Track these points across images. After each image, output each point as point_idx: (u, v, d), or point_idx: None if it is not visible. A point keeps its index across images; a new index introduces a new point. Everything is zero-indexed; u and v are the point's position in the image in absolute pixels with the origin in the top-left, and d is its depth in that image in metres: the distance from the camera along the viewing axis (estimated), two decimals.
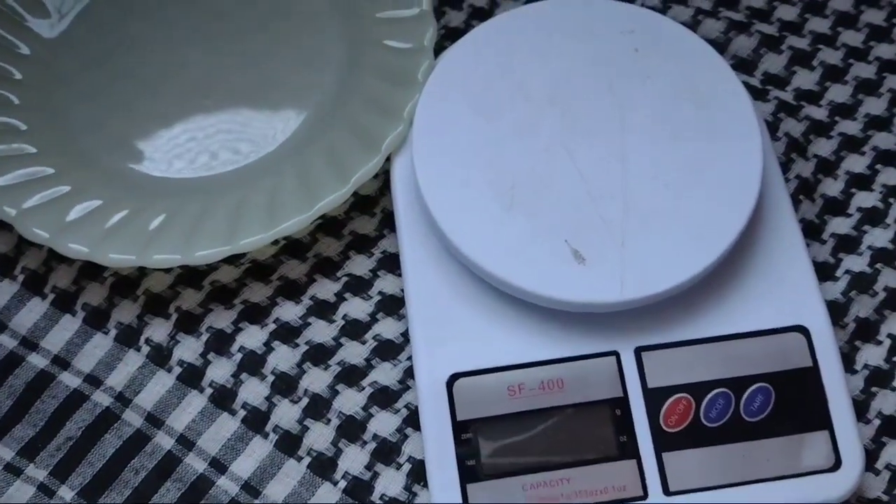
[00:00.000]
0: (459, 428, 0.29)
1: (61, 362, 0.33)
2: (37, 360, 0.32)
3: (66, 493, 0.31)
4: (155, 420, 0.31)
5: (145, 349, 0.33)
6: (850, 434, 0.29)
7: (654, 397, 0.30)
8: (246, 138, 0.36)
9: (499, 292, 0.31)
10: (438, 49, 0.36)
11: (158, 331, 0.33)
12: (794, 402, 0.30)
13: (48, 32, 0.38)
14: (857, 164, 0.36)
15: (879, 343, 0.33)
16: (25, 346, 0.33)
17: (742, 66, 0.38)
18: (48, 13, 0.38)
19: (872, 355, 0.33)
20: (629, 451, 0.29)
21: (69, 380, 0.32)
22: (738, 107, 0.32)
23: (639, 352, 0.30)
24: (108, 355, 0.33)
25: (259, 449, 0.31)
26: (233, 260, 0.34)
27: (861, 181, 0.36)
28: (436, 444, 0.29)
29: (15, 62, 0.37)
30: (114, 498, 0.30)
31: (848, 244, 0.34)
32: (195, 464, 0.30)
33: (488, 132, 0.32)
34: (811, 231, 0.34)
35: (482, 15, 0.39)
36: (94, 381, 0.32)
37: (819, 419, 0.30)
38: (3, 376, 0.32)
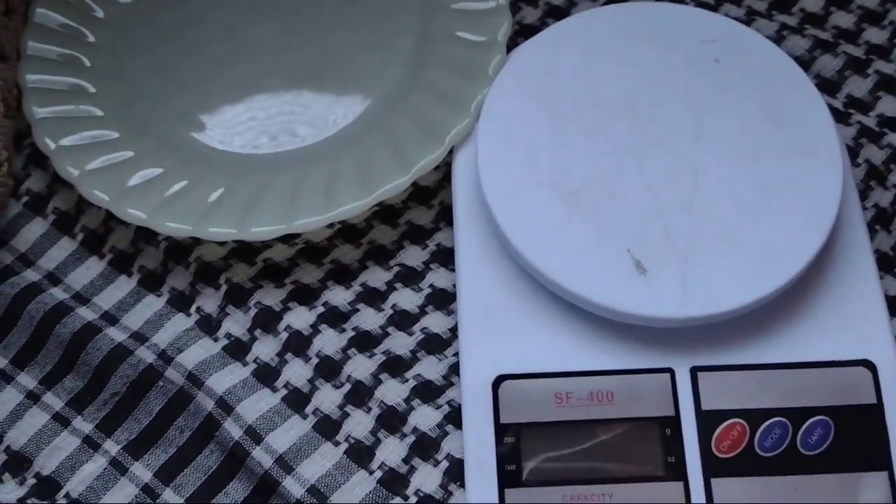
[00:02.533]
0: (502, 430, 0.29)
1: (110, 318, 0.33)
2: (85, 313, 0.33)
3: (111, 447, 0.31)
4: (195, 379, 0.31)
5: (195, 316, 0.33)
6: None
7: (708, 420, 0.29)
8: (308, 120, 0.35)
9: (554, 297, 0.30)
10: (511, 45, 0.35)
11: (209, 301, 0.33)
12: (853, 439, 0.28)
13: None
14: None
15: None
16: (77, 299, 0.33)
17: (825, 86, 0.36)
18: None
19: None
20: (676, 472, 0.28)
21: (114, 334, 0.32)
22: (820, 128, 0.31)
23: (695, 371, 0.29)
24: (156, 315, 0.33)
25: (297, 427, 0.30)
26: (286, 239, 0.34)
27: None
28: (476, 445, 0.29)
29: (89, 25, 0.37)
30: (158, 456, 0.31)
31: None
32: (232, 430, 0.30)
33: (556, 133, 0.32)
34: (885, 263, 0.33)
35: (558, 13, 0.38)
36: (139, 337, 0.32)
37: (879, 459, 0.28)
38: (50, 325, 0.32)
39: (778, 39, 0.37)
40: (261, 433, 0.30)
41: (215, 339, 0.32)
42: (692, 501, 0.28)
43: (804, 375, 0.29)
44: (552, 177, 0.31)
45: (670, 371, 0.29)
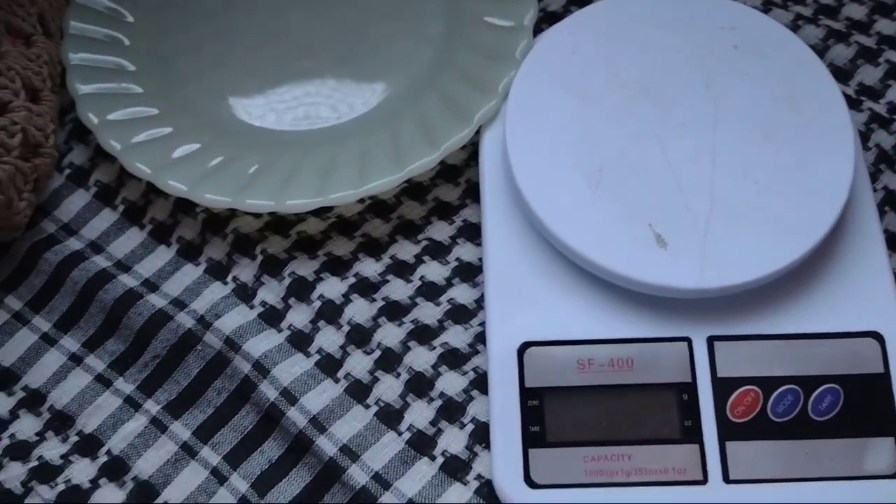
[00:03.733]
0: (527, 394, 0.30)
1: (150, 285, 0.34)
2: (127, 280, 0.34)
3: (151, 406, 0.32)
4: (232, 343, 0.33)
5: (231, 285, 0.34)
6: None
7: (723, 386, 0.30)
8: (340, 100, 0.37)
9: (577, 268, 0.31)
10: (536, 31, 0.36)
11: (245, 271, 0.34)
12: (862, 407, 0.30)
13: None
14: None
15: None
16: (118, 267, 0.35)
17: (837, 74, 0.37)
18: None
19: None
20: (693, 435, 0.30)
21: (155, 300, 0.34)
22: (834, 113, 0.33)
23: (711, 341, 0.31)
24: (195, 283, 0.34)
25: (330, 390, 0.32)
26: (320, 213, 0.35)
27: None
28: (502, 407, 0.30)
29: (128, 5, 0.39)
30: (196, 416, 0.32)
31: None
32: (268, 392, 0.32)
33: (581, 114, 0.33)
34: (894, 243, 0.34)
35: (582, 1, 0.39)
36: (178, 303, 0.34)
37: (886, 425, 0.30)
38: (93, 291, 0.34)
39: (793, 29, 0.38)
40: (295, 395, 0.32)
41: (251, 307, 0.34)
42: (707, 463, 0.29)
43: (815, 346, 0.30)
44: (577, 156, 0.32)
45: (688, 340, 0.31)
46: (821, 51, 0.38)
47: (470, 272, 0.34)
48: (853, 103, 0.37)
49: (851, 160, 0.32)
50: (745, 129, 0.32)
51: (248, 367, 0.32)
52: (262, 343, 0.33)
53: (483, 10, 0.37)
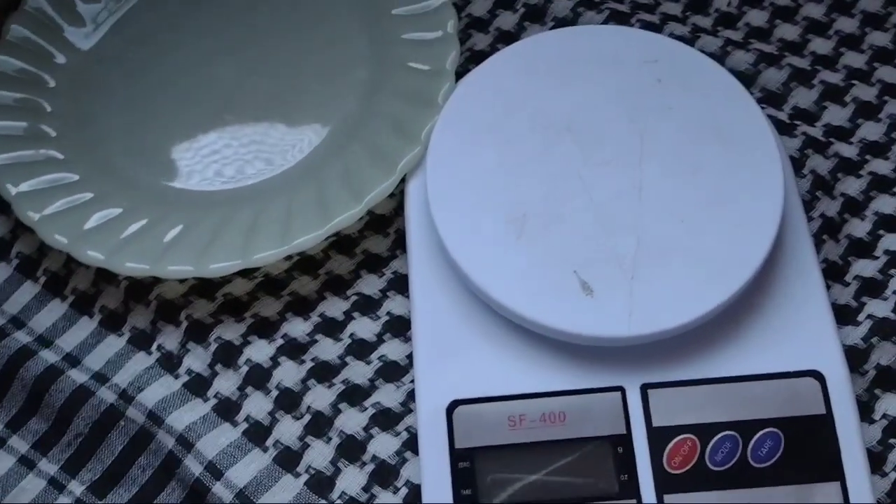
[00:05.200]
0: (457, 456, 0.29)
1: (72, 360, 0.33)
2: (48, 355, 0.33)
3: (76, 487, 0.31)
4: (155, 418, 0.32)
5: (156, 354, 0.33)
6: (862, 486, 0.28)
7: (659, 436, 0.29)
8: (266, 154, 0.36)
9: (505, 320, 0.30)
10: (463, 72, 0.36)
11: (170, 338, 0.33)
12: (804, 450, 0.29)
13: (83, 43, 0.39)
14: (887, 205, 0.35)
15: None
16: (40, 342, 0.34)
17: (771, 99, 0.37)
18: (84, 23, 0.39)
19: (893, 405, 0.31)
20: (629, 490, 0.28)
21: (76, 375, 0.33)
22: (760, 142, 0.32)
23: (645, 389, 0.30)
24: (117, 355, 0.33)
25: (258, 460, 0.31)
26: (246, 273, 0.34)
27: (890, 223, 0.34)
28: (433, 471, 0.29)
29: (50, 70, 0.38)
30: (121, 495, 0.31)
31: (872, 288, 0.33)
32: (193, 466, 0.31)
33: (503, 158, 0.32)
34: (834, 273, 0.33)
35: (508, 39, 0.39)
36: (100, 378, 0.33)
37: (831, 469, 0.28)
38: (14, 369, 0.33)
39: (723, 55, 0.37)
40: (220, 468, 0.31)
41: (176, 376, 0.33)
42: None
43: (753, 388, 0.29)
44: (500, 201, 0.31)
45: (621, 389, 0.30)
46: (752, 75, 0.37)
47: (401, 326, 0.33)
48: (787, 128, 0.36)
49: (780, 190, 0.31)
50: (671, 164, 0.32)
51: (172, 441, 0.31)
52: (187, 415, 0.32)
53: (406, 54, 0.37)
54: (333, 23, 0.38)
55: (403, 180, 0.34)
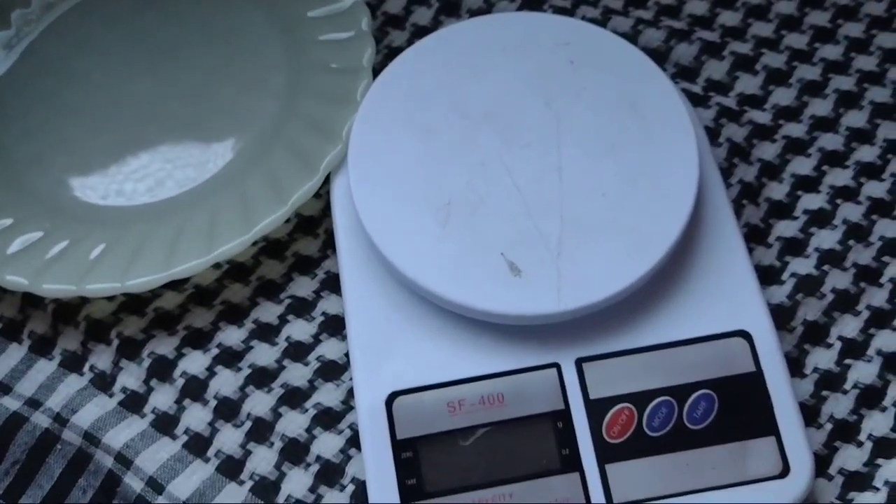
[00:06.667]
0: (399, 447, 0.29)
1: (3, 387, 0.33)
2: None
3: None
4: (92, 438, 0.31)
5: (88, 375, 0.33)
6: (797, 439, 0.29)
7: (597, 408, 0.29)
8: (188, 166, 0.36)
9: (437, 309, 0.30)
10: (382, 69, 0.36)
11: (102, 357, 0.33)
12: (738, 409, 0.29)
13: None
14: (802, 166, 0.36)
15: (829, 346, 0.32)
16: None
17: (684, 73, 0.38)
18: None
19: (822, 359, 0.32)
20: (572, 463, 0.29)
21: (9, 402, 0.32)
22: (673, 114, 0.32)
23: (580, 363, 0.30)
24: (49, 379, 0.33)
25: (200, 471, 0.30)
26: (176, 286, 0.34)
27: (807, 183, 0.35)
28: (376, 464, 0.29)
29: None
30: None
31: (794, 247, 0.34)
32: (133, 483, 0.30)
33: (424, 149, 0.32)
34: (756, 235, 0.34)
35: (425, 34, 0.39)
36: (33, 403, 0.32)
37: (765, 425, 0.29)
38: None
39: (634, 35, 0.38)
40: (162, 482, 0.30)
41: (111, 395, 0.32)
42: (589, 489, 0.28)
43: (684, 353, 0.30)
44: (423, 192, 0.31)
45: (556, 366, 0.30)
46: (664, 52, 0.38)
47: (337, 325, 0.33)
48: (701, 100, 0.37)
49: (695, 162, 0.31)
50: (588, 143, 0.32)
51: (111, 460, 0.31)
52: (123, 433, 0.31)
53: (322, 55, 0.37)
54: (248, 31, 0.38)
55: (328, 180, 0.34)
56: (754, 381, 0.30)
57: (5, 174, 0.36)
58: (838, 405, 0.31)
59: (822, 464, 0.30)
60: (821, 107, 0.37)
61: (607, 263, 0.30)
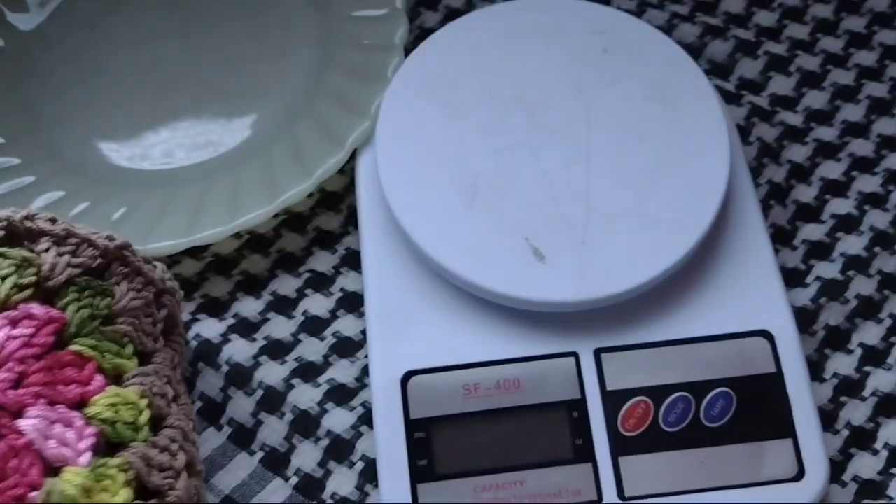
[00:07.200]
0: (412, 427, 0.29)
1: None
2: None
3: None
4: None
5: None
6: (814, 443, 0.29)
7: (613, 400, 0.29)
8: (212, 134, 0.35)
9: (457, 290, 0.30)
10: (412, 49, 0.35)
11: None
12: (756, 409, 0.29)
13: (25, 25, 0.38)
14: (832, 170, 0.35)
15: (850, 352, 0.32)
16: None
17: (717, 70, 0.37)
18: (27, 8, 0.38)
19: (842, 364, 0.32)
20: (585, 454, 0.28)
21: None
22: (706, 109, 0.32)
23: (598, 353, 0.30)
24: None
25: (211, 438, 0.30)
26: (195, 254, 0.34)
27: (836, 188, 0.35)
28: (387, 443, 0.29)
29: None
30: None
31: (820, 251, 0.34)
32: None
33: (453, 130, 0.32)
34: (782, 237, 0.34)
35: (458, 16, 0.38)
36: None
37: (782, 427, 0.29)
38: None
39: (668, 28, 0.38)
40: None
41: None
42: (601, 481, 0.28)
43: (704, 349, 0.29)
44: (450, 172, 0.31)
45: (574, 355, 0.30)
46: (698, 48, 0.37)
47: (355, 302, 0.33)
48: (733, 98, 0.36)
49: (727, 156, 0.31)
50: (618, 132, 0.32)
51: None
52: None
53: (354, 30, 0.36)
54: (282, 2, 0.38)
55: (354, 157, 0.34)
56: (774, 383, 0.29)
57: (31, 131, 0.36)
58: (856, 412, 0.31)
59: (836, 470, 0.30)
60: (853, 112, 0.36)
61: (632, 255, 0.29)
